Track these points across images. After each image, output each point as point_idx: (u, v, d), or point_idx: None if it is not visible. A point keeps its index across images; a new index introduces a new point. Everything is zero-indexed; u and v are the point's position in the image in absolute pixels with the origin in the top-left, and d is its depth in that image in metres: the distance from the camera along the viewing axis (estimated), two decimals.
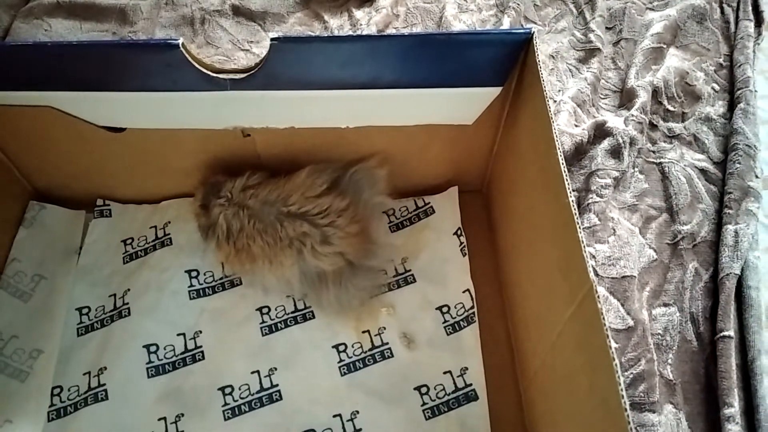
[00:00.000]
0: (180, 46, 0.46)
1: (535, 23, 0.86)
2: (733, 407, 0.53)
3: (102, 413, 0.54)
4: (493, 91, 0.52)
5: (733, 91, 0.75)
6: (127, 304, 0.60)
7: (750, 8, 0.83)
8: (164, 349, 0.58)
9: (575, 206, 0.40)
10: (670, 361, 0.57)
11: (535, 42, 0.46)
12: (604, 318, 0.35)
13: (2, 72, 0.51)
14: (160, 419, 0.54)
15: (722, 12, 0.84)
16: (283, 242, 0.55)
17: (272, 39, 0.46)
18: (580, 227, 0.39)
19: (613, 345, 0.35)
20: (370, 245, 0.58)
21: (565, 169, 0.41)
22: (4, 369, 0.56)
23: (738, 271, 0.60)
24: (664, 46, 0.80)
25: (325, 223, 0.55)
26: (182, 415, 0.54)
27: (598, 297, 0.36)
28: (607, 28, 0.84)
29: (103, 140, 0.57)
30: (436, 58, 0.49)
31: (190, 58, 0.47)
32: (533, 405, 0.52)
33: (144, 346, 0.57)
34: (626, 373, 0.55)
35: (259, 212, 0.56)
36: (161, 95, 0.51)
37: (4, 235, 0.63)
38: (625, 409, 0.32)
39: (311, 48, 0.47)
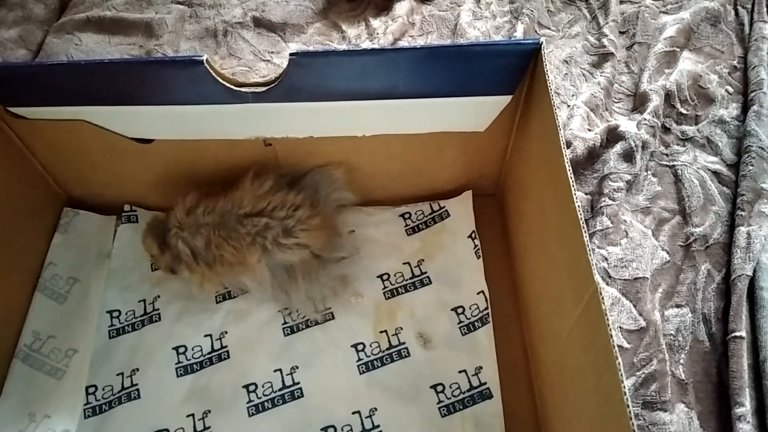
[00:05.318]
0: (204, 62, 0.48)
1: (549, 29, 0.87)
2: (745, 406, 0.53)
3: (135, 411, 0.57)
4: (504, 100, 0.53)
5: (746, 94, 0.76)
6: (158, 309, 0.63)
7: (765, 10, 0.83)
8: (192, 349, 0.60)
9: (581, 211, 0.41)
10: (682, 361, 0.58)
11: (543, 51, 0.48)
12: (608, 319, 0.37)
13: (39, 88, 0.53)
14: (188, 416, 0.57)
15: (736, 14, 0.84)
16: (246, 240, 0.56)
17: (291, 54, 0.48)
18: (585, 231, 0.40)
19: (618, 344, 0.36)
20: (336, 238, 0.60)
21: (572, 175, 0.42)
22: (42, 367, 0.60)
23: (750, 273, 0.60)
24: (678, 50, 0.80)
25: (283, 215, 0.57)
26: (209, 411, 0.57)
27: (603, 298, 0.37)
28: (620, 32, 0.84)
29: (133, 151, 0.60)
30: (447, 69, 0.50)
31: (213, 73, 0.49)
32: (546, 403, 0.54)
33: (173, 348, 0.60)
34: (638, 373, 0.56)
35: (220, 222, 0.57)
36: (187, 108, 0.53)
37: (41, 241, 0.66)
38: (627, 406, 0.33)
39: (328, 61, 0.49)
